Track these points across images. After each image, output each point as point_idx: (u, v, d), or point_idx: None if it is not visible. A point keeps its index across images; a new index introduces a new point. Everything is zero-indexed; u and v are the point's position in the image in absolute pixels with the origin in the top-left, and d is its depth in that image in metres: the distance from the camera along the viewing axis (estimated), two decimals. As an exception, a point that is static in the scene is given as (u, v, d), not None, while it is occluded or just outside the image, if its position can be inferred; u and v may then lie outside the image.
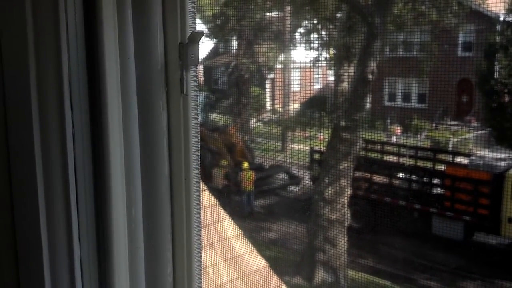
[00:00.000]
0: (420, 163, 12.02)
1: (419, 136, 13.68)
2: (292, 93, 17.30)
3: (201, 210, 1.25)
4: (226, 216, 5.53)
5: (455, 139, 13.26)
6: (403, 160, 12.26)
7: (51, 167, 1.05)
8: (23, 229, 1.08)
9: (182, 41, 1.14)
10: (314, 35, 13.91)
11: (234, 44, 18.32)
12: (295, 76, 17.60)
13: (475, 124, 13.51)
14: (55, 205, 1.06)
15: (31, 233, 1.06)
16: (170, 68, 1.16)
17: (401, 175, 12.02)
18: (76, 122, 1.06)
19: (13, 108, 1.05)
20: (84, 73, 1.07)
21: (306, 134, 15.13)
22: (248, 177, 13.11)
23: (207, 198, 5.32)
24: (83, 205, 1.09)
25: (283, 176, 14.22)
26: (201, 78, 20.49)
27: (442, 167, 11.50)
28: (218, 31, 17.82)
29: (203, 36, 1.17)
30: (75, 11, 1.04)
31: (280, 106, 18.12)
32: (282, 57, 17.30)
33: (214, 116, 17.95)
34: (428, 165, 11.84)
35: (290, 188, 13.89)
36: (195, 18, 1.17)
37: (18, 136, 1.05)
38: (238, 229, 5.50)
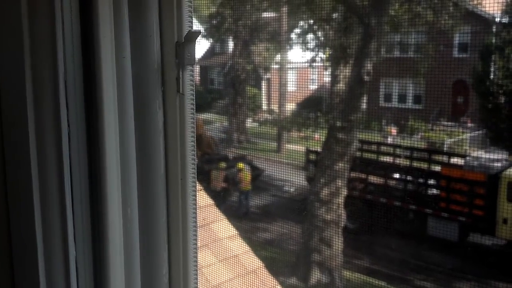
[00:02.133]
0: (416, 164, 12.06)
1: (414, 136, 13.72)
2: (288, 94, 17.33)
3: (197, 210, 1.25)
4: (222, 217, 5.52)
5: (451, 140, 13.31)
6: (398, 160, 12.29)
7: (46, 165, 1.04)
8: (17, 228, 1.07)
9: (179, 40, 1.14)
10: (310, 36, 13.93)
11: (230, 44, 18.34)
12: (291, 76, 17.63)
13: (471, 125, 13.57)
14: (50, 204, 1.05)
15: (26, 233, 1.06)
16: (167, 67, 1.15)
17: (396, 175, 12.05)
18: (71, 121, 1.05)
19: (8, 107, 1.04)
20: (80, 71, 1.06)
21: (302, 135, 15.15)
22: (245, 177, 13.15)
23: (202, 198, 5.31)
24: (79, 204, 1.09)
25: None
26: (197, 78, 20.49)
27: (438, 168, 11.53)
28: (214, 31, 17.83)
29: (200, 36, 1.17)
30: (71, 10, 1.03)
31: (276, 106, 18.14)
32: (278, 57, 17.33)
33: (210, 116, 17.96)
34: (424, 165, 11.87)
35: (285, 189, 13.94)
36: (191, 17, 1.17)
37: (13, 134, 1.04)
38: (233, 230, 5.49)
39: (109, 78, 1.06)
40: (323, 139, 11.45)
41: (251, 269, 5.27)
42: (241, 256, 5.31)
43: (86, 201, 1.10)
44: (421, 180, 11.70)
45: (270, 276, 5.45)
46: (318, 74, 16.39)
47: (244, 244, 5.49)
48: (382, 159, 12.55)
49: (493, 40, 11.60)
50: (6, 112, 1.05)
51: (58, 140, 1.04)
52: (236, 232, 5.51)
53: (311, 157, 13.04)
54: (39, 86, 1.02)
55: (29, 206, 1.04)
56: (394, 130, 14.22)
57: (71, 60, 1.04)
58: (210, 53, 20.95)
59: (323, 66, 14.92)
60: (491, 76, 11.38)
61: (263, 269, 5.39)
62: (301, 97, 17.38)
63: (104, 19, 1.04)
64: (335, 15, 11.79)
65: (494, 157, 10.87)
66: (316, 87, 17.29)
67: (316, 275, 10.26)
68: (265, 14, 15.42)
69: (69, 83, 1.05)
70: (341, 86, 10.98)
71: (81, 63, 1.06)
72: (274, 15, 15.36)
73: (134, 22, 1.11)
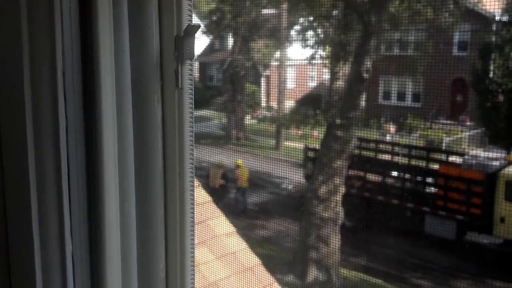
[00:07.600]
0: (414, 162, 12.06)
1: (413, 135, 13.73)
2: (287, 91, 17.31)
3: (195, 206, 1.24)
4: (219, 213, 5.52)
5: (449, 138, 13.32)
6: (396, 158, 12.29)
7: (43, 159, 1.03)
8: (14, 223, 1.07)
9: (178, 34, 1.13)
10: (309, 33, 13.93)
11: (230, 41, 18.31)
12: (290, 73, 17.62)
13: (469, 123, 13.57)
14: (47, 199, 1.05)
15: (22, 227, 1.05)
16: (166, 62, 1.14)
17: (394, 173, 12.05)
18: (69, 115, 1.05)
19: (6, 100, 1.03)
20: (78, 65, 1.05)
21: (300, 132, 15.14)
22: (242, 174, 13.14)
23: (200, 195, 5.31)
24: (76, 199, 1.08)
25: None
26: (196, 74, 20.48)
27: (436, 166, 11.54)
28: (213, 28, 17.81)
29: (199, 32, 1.16)
30: (70, 2, 1.02)
31: (275, 103, 18.12)
32: (277, 54, 17.31)
33: (208, 113, 17.94)
34: (422, 164, 11.87)
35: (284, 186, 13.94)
36: (191, 11, 1.16)
37: (11, 127, 1.04)
38: (231, 226, 5.49)
39: (107, 72, 1.05)
40: (322, 137, 11.45)
41: (248, 266, 5.27)
42: (238, 253, 5.31)
43: (83, 196, 1.09)
44: (419, 178, 11.71)
45: (267, 273, 5.45)
46: (317, 71, 16.38)
47: (242, 241, 5.49)
48: (380, 157, 12.55)
49: (493, 39, 11.60)
50: (3, 105, 1.04)
51: (55, 133, 1.03)
52: (234, 229, 5.51)
53: (309, 154, 13.03)
54: (37, 79, 1.02)
55: (26, 200, 1.04)
56: (392, 128, 14.23)
57: (70, 53, 1.04)
58: (209, 49, 20.93)
59: (322, 63, 14.91)
60: (490, 75, 11.39)
61: (260, 266, 5.39)
62: (300, 94, 17.37)
63: (103, 12, 1.03)
64: (334, 12, 11.78)
65: (492, 156, 10.88)
66: (315, 84, 17.28)
67: (313, 273, 10.26)
68: (265, 11, 15.40)
69: (67, 77, 1.04)
70: (340, 83, 10.98)
71: (79, 56, 1.05)
72: (274, 11, 15.34)
73: (133, 15, 1.10)
